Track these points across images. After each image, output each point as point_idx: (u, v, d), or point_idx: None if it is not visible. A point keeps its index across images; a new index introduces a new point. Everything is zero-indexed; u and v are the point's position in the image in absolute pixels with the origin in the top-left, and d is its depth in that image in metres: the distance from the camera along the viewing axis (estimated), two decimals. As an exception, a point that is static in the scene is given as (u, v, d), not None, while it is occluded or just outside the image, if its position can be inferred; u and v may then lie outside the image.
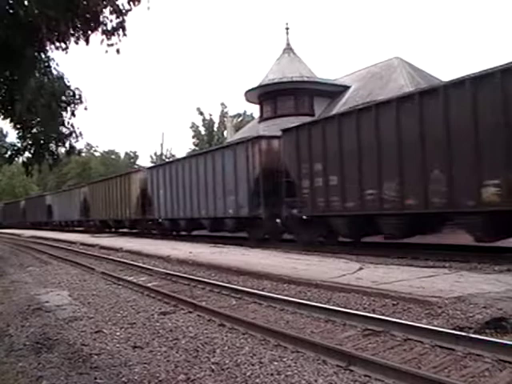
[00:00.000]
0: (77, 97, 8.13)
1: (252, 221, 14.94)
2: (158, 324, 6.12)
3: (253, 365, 4.33)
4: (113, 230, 28.50)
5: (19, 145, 9.29)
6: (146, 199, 22.67)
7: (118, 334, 5.74)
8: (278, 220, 14.27)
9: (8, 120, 8.05)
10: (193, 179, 18.35)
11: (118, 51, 5.64)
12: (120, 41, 5.56)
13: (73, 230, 34.08)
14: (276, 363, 4.35)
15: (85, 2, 5.13)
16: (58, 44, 5.78)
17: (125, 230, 27.07)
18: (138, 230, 25.02)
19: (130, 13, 5.53)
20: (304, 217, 12.98)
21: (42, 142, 8.90)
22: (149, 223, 23.04)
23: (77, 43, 5.74)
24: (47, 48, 6.09)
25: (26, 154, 9.33)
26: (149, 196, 22.33)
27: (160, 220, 21.70)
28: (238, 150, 15.70)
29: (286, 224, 13.95)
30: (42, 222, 42.13)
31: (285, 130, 14.08)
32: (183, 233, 20.86)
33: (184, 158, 20.66)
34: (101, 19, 5.39)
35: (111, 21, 5.48)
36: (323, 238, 12.96)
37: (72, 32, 5.51)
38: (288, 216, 13.53)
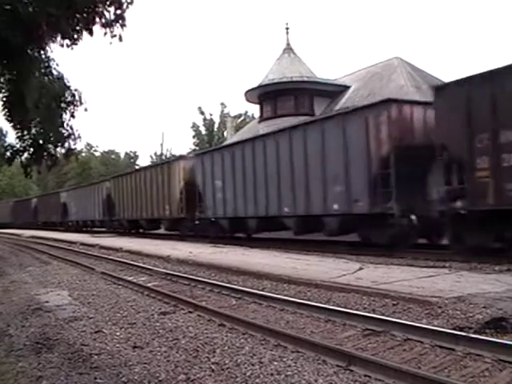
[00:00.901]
0: (76, 98, 8.13)
1: (373, 219, 11.06)
2: (157, 324, 6.11)
3: (253, 365, 4.33)
4: (141, 231, 24.50)
5: (18, 145, 9.27)
6: (193, 193, 18.14)
7: (117, 333, 5.74)
8: (412, 217, 10.68)
9: (8, 120, 8.05)
10: (270, 165, 14.16)
11: (120, 39, 5.65)
12: (123, 30, 5.59)
13: (92, 231, 30.53)
14: (276, 363, 4.34)
15: None
16: (62, 41, 5.80)
17: (160, 232, 22.72)
18: (180, 233, 20.24)
19: (131, 5, 5.55)
20: (462, 211, 9.33)
21: (40, 143, 8.88)
22: (196, 223, 18.41)
23: (79, 39, 5.76)
24: (48, 46, 6.11)
25: (25, 155, 9.32)
26: (198, 189, 17.85)
27: (213, 219, 17.35)
28: (349, 121, 11.60)
29: (443, 222, 9.84)
30: (56, 223, 37.71)
31: (441, 88, 10.03)
32: (240, 235, 16.97)
33: (254, 139, 15.86)
34: (100, 12, 5.42)
35: (110, 12, 5.50)
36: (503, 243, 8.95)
37: (74, 27, 5.54)
38: (446, 211, 9.53)
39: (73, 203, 34.05)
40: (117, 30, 5.57)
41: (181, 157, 21.30)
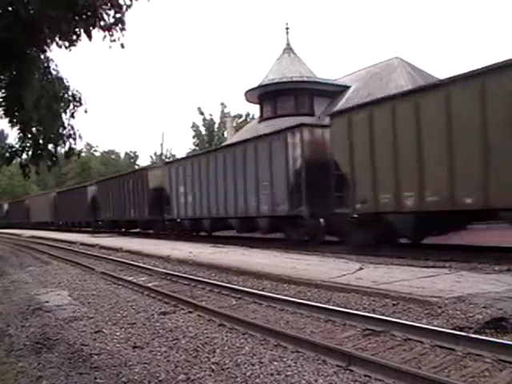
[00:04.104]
0: (77, 99, 8.12)
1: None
2: (158, 324, 6.11)
3: (253, 365, 4.33)
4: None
5: (17, 146, 9.25)
6: None
7: (117, 333, 5.74)
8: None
9: (8, 120, 8.04)
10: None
11: (122, 46, 5.62)
12: (123, 35, 5.56)
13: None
14: (276, 363, 4.34)
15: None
16: (60, 42, 5.79)
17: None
18: None
19: (130, 9, 5.53)
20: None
21: (40, 143, 8.88)
22: None
23: (77, 41, 5.75)
24: (48, 47, 6.09)
25: (24, 155, 9.30)
26: None
27: None
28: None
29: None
30: (137, 222, 23.60)
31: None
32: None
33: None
34: (100, 14, 5.40)
35: (110, 15, 5.48)
36: None
37: (73, 30, 5.52)
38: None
39: (183, 187, 18.60)
40: (116, 34, 5.55)
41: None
